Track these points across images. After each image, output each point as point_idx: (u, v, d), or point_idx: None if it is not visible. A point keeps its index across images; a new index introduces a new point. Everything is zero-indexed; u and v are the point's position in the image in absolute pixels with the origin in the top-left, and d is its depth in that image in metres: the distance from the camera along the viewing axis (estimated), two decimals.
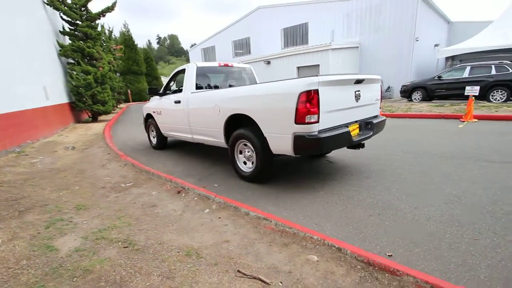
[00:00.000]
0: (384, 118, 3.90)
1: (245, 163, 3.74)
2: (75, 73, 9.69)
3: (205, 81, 4.91)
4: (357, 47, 16.39)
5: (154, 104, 5.78)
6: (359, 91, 3.27)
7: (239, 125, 3.69)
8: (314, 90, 2.70)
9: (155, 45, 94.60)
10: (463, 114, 7.15)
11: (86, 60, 10.23)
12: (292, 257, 1.89)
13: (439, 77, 10.99)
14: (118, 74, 17.20)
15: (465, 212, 2.42)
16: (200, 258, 1.93)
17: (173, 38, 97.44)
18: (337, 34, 17.25)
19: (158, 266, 1.83)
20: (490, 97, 9.55)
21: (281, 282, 1.66)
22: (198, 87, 4.69)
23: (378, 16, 15.46)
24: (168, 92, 5.52)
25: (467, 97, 7.07)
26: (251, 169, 3.60)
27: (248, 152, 3.64)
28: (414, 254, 1.87)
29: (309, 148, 2.87)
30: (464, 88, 7.62)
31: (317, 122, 2.80)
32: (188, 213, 2.74)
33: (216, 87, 5.04)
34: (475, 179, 3.18)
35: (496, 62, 9.69)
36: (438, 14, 18.40)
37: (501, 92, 9.40)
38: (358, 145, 3.64)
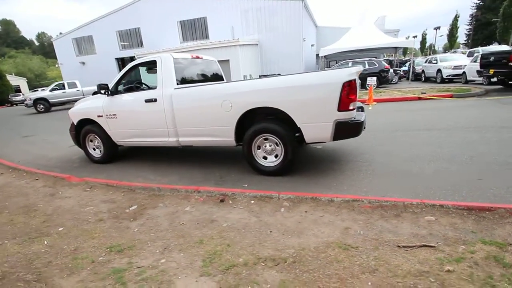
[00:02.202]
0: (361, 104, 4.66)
1: (265, 158, 3.64)
2: None
3: (180, 75, 4.28)
4: (257, 44, 17.70)
5: (97, 105, 4.52)
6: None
7: (247, 121, 3.53)
8: (354, 79, 3.00)
9: None
10: (366, 99, 9.27)
11: None
12: (415, 222, 2.18)
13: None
14: None
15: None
16: (355, 248, 1.91)
17: (8, 24, 73.49)
18: (236, 30, 17.98)
19: (343, 267, 1.71)
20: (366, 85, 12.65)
21: (438, 242, 1.92)
22: (178, 82, 4.07)
23: (272, 17, 17.20)
24: (120, 90, 4.46)
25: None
26: (275, 163, 3.55)
27: (269, 146, 3.56)
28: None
29: (350, 133, 3.18)
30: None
31: (354, 109, 3.13)
32: (264, 217, 2.51)
33: (192, 81, 4.49)
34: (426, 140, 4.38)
35: (367, 58, 12.88)
36: (311, 19, 22.24)
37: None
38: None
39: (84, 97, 6.94)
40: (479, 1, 47.92)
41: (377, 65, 12.42)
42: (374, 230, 2.14)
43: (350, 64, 13.08)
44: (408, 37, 27.78)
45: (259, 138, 3.56)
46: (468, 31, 49.62)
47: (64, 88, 16.21)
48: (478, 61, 10.39)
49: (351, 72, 2.99)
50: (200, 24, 18.56)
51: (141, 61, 4.30)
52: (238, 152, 4.86)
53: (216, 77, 5.11)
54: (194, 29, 18.87)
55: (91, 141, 4.91)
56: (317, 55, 22.86)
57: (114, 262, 1.99)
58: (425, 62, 17.46)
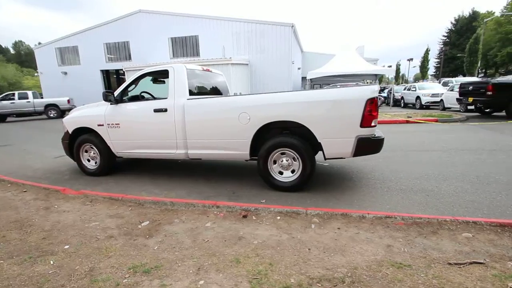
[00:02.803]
0: None
1: (280, 173, 3.54)
2: None
3: (191, 86, 4.17)
4: (247, 64, 18.08)
5: (98, 113, 4.26)
6: None
7: (260, 136, 3.46)
8: (376, 96, 3.06)
9: None
10: None
11: None
12: (454, 239, 2.14)
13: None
14: None
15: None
16: (408, 266, 1.82)
17: None
18: (227, 50, 18.33)
19: (408, 287, 1.61)
20: None
21: (485, 259, 1.88)
22: (192, 93, 3.96)
23: (262, 39, 17.77)
24: (125, 99, 4.26)
25: None
26: (292, 178, 3.46)
27: (286, 160, 3.48)
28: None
29: (371, 149, 3.19)
30: None
31: (376, 125, 3.17)
32: (296, 234, 2.37)
33: (201, 93, 4.39)
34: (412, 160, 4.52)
35: (354, 83, 13.49)
36: (298, 44, 23.25)
37: None
38: None
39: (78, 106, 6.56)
40: (445, 38, 53.05)
41: None
42: (417, 247, 2.07)
43: (338, 87, 13.60)
44: (384, 66, 29.84)
45: (276, 153, 3.48)
46: (437, 64, 54.27)
47: (14, 99, 15.28)
48: (456, 90, 11.23)
49: (373, 89, 3.05)
50: (192, 41, 18.76)
51: (151, 70, 4.16)
52: (245, 167, 4.73)
53: (223, 91, 5.05)
54: (185, 46, 19.00)
55: (86, 151, 4.57)
56: (303, 78, 23.79)
57: (143, 284, 1.75)
58: (404, 89, 18.66)
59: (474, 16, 48.88)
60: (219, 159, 3.95)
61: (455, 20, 51.98)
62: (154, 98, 4.50)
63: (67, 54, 21.76)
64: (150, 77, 4.66)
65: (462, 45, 46.42)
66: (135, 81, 4.26)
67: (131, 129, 4.10)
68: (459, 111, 12.14)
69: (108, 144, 4.29)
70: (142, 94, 4.52)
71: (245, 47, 18.05)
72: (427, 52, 42.85)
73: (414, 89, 16.60)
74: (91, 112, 4.39)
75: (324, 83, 22.11)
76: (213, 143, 3.72)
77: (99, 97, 4.24)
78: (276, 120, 3.34)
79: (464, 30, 48.84)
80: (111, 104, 4.20)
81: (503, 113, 9.25)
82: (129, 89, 4.30)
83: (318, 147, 3.37)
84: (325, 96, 3.19)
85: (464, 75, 35.71)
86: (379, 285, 1.63)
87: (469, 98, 9.61)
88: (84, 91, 19.80)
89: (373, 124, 3.09)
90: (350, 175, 4.05)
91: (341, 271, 1.79)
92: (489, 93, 8.38)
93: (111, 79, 22.78)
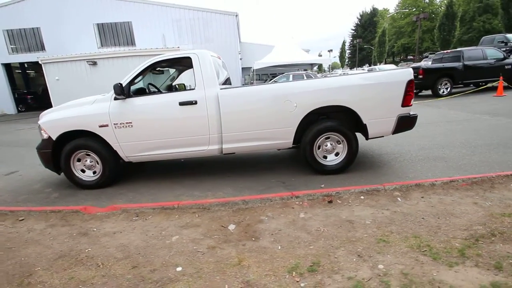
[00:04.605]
0: None
1: (324, 157, 3.63)
2: None
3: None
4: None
5: (99, 111, 3.48)
6: None
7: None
8: (413, 78, 3.40)
9: None
10: None
11: None
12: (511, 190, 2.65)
13: (275, 81, 14.43)
14: None
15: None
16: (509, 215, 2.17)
17: None
18: (168, 39, 16.94)
19: None
20: None
21: None
22: None
23: (207, 28, 17.06)
24: (132, 93, 3.60)
25: None
26: (338, 160, 3.59)
27: (330, 144, 3.58)
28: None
29: (408, 126, 3.55)
30: None
31: (412, 105, 3.53)
32: (393, 208, 2.51)
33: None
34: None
35: (304, 72, 14.39)
36: (238, 33, 23.14)
37: None
38: None
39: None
40: (353, 31, 60.90)
41: (313, 78, 14.04)
42: (495, 200, 2.49)
43: (291, 77, 14.29)
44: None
45: (321, 138, 3.54)
46: (349, 55, 62.11)
47: None
48: None
49: (411, 72, 3.38)
50: (124, 28, 16.57)
51: (166, 57, 3.62)
52: (259, 157, 4.62)
53: (227, 80, 4.76)
54: (116, 34, 16.66)
55: (79, 160, 3.71)
56: (242, 68, 23.93)
57: (325, 282, 1.62)
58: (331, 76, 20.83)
59: (374, 12, 57.42)
60: (256, 150, 3.75)
61: (360, 15, 60.03)
62: (175, 90, 3.92)
63: None
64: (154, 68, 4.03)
65: (367, 37, 54.25)
66: (143, 72, 3.64)
67: (149, 127, 3.52)
68: None
69: (115, 148, 3.58)
70: (148, 86, 3.88)
71: (188, 36, 17.00)
72: (343, 44, 48.58)
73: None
74: (86, 111, 3.55)
75: (268, 73, 22.85)
76: (253, 135, 3.52)
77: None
78: (324, 105, 3.38)
79: (367, 24, 57.01)
80: (115, 99, 3.49)
81: (429, 92, 11.31)
82: (135, 81, 3.64)
83: (357, 128, 3.59)
84: (372, 80, 3.38)
85: (370, 64, 41.97)
86: None
87: None
88: None
89: (411, 103, 3.44)
90: (371, 153, 4.40)
91: (477, 229, 2.03)
92: (420, 76, 10.15)
93: (15, 75, 18.32)
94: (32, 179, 4.33)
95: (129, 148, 3.58)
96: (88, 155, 3.66)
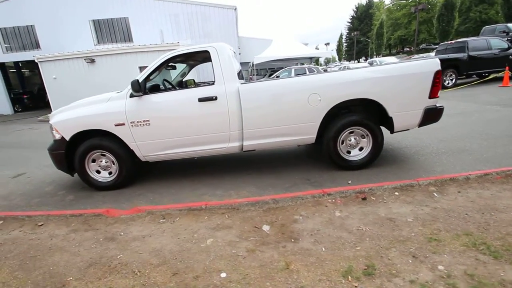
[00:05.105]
0: None
1: (348, 152, 3.53)
2: None
3: None
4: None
5: (115, 110, 3.33)
6: None
7: None
8: (440, 68, 3.29)
9: None
10: None
11: None
12: None
13: (277, 76, 14.24)
14: None
15: None
16: None
17: None
18: (166, 35, 16.61)
19: None
20: None
21: None
22: None
23: (206, 23, 16.74)
24: (147, 90, 3.45)
25: None
26: (363, 155, 3.49)
27: (354, 139, 3.47)
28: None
29: (435, 118, 3.45)
30: None
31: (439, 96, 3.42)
32: (432, 204, 2.43)
33: None
34: None
35: (306, 65, 14.22)
36: (236, 28, 22.82)
37: None
38: None
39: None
40: (349, 24, 60.52)
41: (316, 72, 13.88)
42: None
43: (293, 71, 14.11)
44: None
45: (345, 132, 3.43)
46: (345, 48, 61.83)
47: None
48: None
49: (438, 62, 3.27)
50: (121, 25, 16.19)
51: (182, 51, 3.46)
52: (274, 155, 4.51)
53: (240, 73, 4.61)
54: (112, 30, 16.28)
55: (94, 161, 3.57)
56: (241, 63, 23.68)
57: (385, 285, 1.53)
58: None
59: (370, 4, 57.01)
60: (277, 147, 3.63)
61: (356, 7, 59.59)
62: (184, 86, 3.77)
63: None
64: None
65: (363, 30, 53.93)
66: (159, 67, 3.48)
67: (167, 125, 3.38)
68: None
69: (132, 148, 3.44)
70: (164, 82, 3.73)
71: (186, 31, 16.68)
72: (341, 37, 48.27)
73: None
74: (101, 109, 3.40)
75: (266, 68, 22.59)
76: (275, 131, 3.40)
77: None
78: (349, 98, 3.26)
79: (363, 16, 56.63)
80: (131, 97, 3.34)
81: None
82: (150, 77, 3.48)
83: (381, 122, 3.49)
84: (396, 71, 3.26)
85: (366, 58, 41.75)
86: None
87: None
88: None
89: (438, 95, 3.34)
90: (386, 148, 4.30)
91: None
92: None
93: (9, 74, 17.89)
94: (42, 181, 4.18)
95: (147, 147, 3.44)
96: (103, 155, 3.53)
